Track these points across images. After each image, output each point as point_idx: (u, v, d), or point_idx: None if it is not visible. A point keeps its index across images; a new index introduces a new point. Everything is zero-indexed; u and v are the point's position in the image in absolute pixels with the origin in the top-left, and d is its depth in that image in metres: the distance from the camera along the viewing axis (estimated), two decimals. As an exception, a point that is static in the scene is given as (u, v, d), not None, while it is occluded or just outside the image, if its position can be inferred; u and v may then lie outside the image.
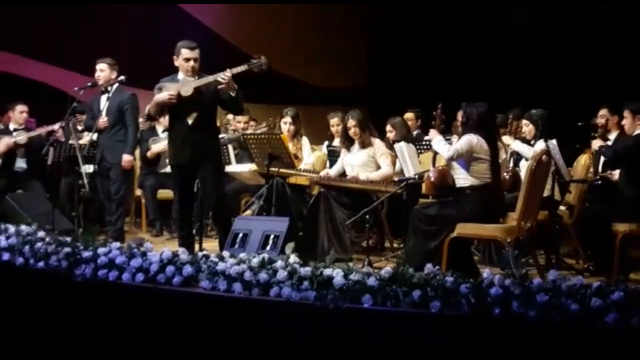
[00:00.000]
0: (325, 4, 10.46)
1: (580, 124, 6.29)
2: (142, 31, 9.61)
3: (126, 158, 6.31)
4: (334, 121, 6.79)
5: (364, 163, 6.16)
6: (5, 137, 7.35)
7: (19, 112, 7.46)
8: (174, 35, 9.79)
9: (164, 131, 7.68)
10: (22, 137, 7.32)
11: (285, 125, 6.75)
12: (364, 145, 6.17)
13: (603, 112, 6.14)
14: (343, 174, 6.30)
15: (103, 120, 6.33)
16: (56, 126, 6.91)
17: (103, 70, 6.40)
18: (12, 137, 7.34)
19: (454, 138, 5.54)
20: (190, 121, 5.51)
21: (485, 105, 5.18)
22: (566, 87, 8.91)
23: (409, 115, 7.93)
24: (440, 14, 10.33)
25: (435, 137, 5.28)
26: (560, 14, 9.35)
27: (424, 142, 7.04)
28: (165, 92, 5.49)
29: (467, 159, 5.08)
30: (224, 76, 5.32)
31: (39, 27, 9.03)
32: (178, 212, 5.80)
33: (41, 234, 5.37)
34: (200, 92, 5.46)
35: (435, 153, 5.38)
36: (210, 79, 5.41)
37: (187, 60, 5.50)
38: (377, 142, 6.22)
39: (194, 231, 5.85)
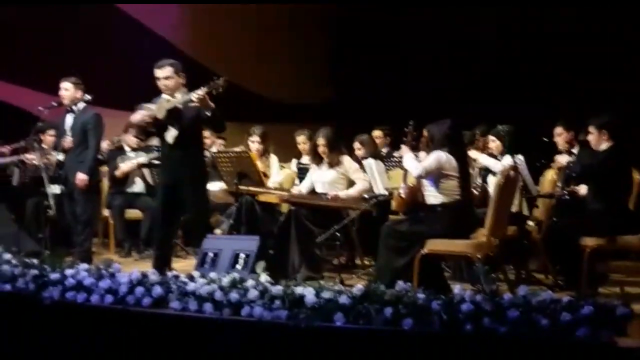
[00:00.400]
0: (292, 19, 10.52)
1: (545, 139, 6.38)
2: (108, 50, 9.57)
3: (80, 177, 6.19)
4: (301, 139, 6.83)
5: (334, 180, 6.17)
6: None
7: None
8: (138, 53, 9.83)
9: (132, 150, 7.65)
10: None
11: (253, 144, 6.75)
12: (332, 164, 6.20)
13: (558, 130, 6.22)
14: (313, 191, 6.31)
15: (68, 141, 6.27)
16: (30, 156, 6.82)
17: (67, 89, 6.32)
18: None
19: (422, 154, 5.58)
20: (171, 140, 5.51)
21: (448, 121, 5.22)
22: (531, 102, 9.04)
23: (377, 133, 7.99)
24: (408, 29, 10.43)
25: (406, 154, 5.30)
26: (524, 30, 9.52)
27: (392, 159, 7.10)
28: (138, 113, 5.49)
29: (436, 176, 5.11)
30: (197, 95, 5.28)
31: (2, 47, 8.94)
32: (157, 231, 5.70)
33: (7, 256, 5.29)
34: (178, 111, 5.45)
35: (406, 170, 5.40)
36: (185, 98, 5.40)
37: (158, 79, 5.51)
38: (346, 160, 6.23)
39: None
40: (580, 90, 8.61)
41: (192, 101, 5.32)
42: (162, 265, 5.48)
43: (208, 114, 5.34)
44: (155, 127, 5.55)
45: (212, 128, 5.75)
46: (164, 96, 5.53)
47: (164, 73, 5.48)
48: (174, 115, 5.43)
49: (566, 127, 6.21)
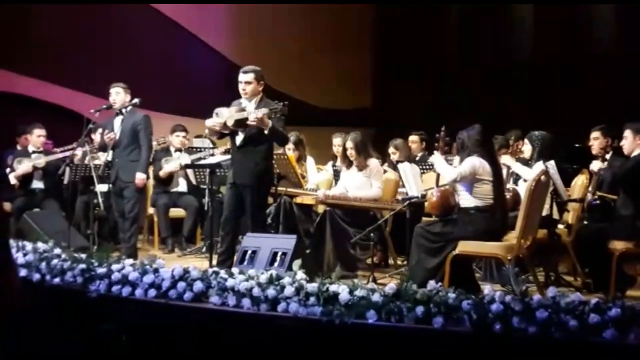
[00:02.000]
0: (330, 25, 10.67)
1: (577, 145, 6.39)
2: (155, 56, 9.83)
3: (139, 177, 6.41)
4: (337, 141, 6.92)
5: (361, 185, 6.26)
6: (25, 160, 7.50)
7: (37, 136, 7.59)
8: (184, 60, 10.08)
9: (176, 151, 7.87)
10: (40, 161, 7.47)
11: (289, 151, 6.86)
12: (360, 168, 6.30)
13: (595, 134, 6.19)
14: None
15: (108, 136, 6.44)
16: (78, 152, 7.07)
17: (119, 93, 6.52)
18: (30, 161, 7.48)
19: (455, 159, 5.66)
20: (237, 143, 5.73)
21: (476, 127, 5.27)
22: (565, 108, 9.05)
23: (413, 138, 8.08)
24: (444, 35, 10.52)
25: (438, 160, 5.37)
26: (561, 37, 9.52)
27: (427, 163, 7.19)
28: (212, 119, 5.70)
29: (470, 181, 5.16)
30: (254, 118, 5.48)
31: (56, 52, 9.24)
32: (224, 227, 5.84)
33: (57, 251, 5.49)
34: (246, 122, 5.61)
35: (439, 173, 5.47)
36: (244, 114, 5.59)
37: (240, 83, 5.71)
38: (372, 163, 6.30)
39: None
40: (621, 100, 8.59)
41: (250, 120, 5.50)
42: (225, 259, 5.64)
43: (266, 132, 5.54)
44: (224, 130, 5.74)
45: (276, 142, 5.85)
46: (242, 100, 5.73)
47: (246, 78, 5.68)
48: (242, 125, 5.62)
49: (604, 133, 6.21)
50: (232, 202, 5.75)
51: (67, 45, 9.27)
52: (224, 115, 5.69)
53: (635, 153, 5.53)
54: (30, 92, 9.26)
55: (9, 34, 8.92)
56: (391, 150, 7.33)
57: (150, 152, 6.81)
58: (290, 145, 6.87)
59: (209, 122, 5.74)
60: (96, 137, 7.43)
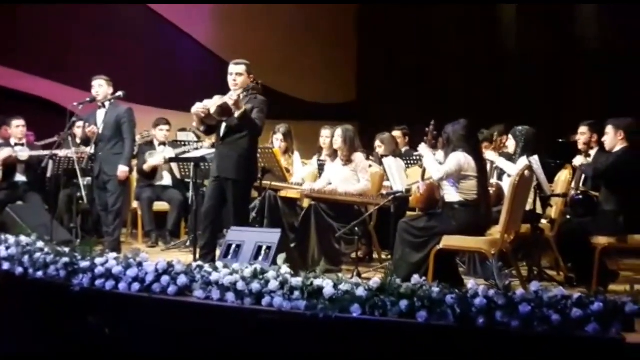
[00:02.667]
0: (316, 20, 10.68)
1: (560, 140, 6.42)
2: (139, 49, 9.78)
3: (122, 169, 6.40)
4: (325, 133, 6.93)
5: (347, 178, 6.28)
6: (7, 148, 7.42)
7: (15, 127, 7.50)
8: (168, 53, 10.06)
9: (159, 145, 7.84)
10: (24, 154, 7.39)
11: (277, 141, 6.89)
12: (345, 161, 6.31)
13: (583, 129, 6.22)
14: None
15: (90, 129, 6.42)
16: (61, 153, 7.02)
17: (102, 86, 6.51)
18: (13, 151, 7.38)
19: (440, 153, 5.68)
20: (220, 134, 5.71)
21: (461, 121, 5.29)
22: (549, 104, 9.10)
23: (396, 133, 8.09)
24: (431, 29, 10.55)
25: (426, 154, 5.39)
26: (550, 34, 9.57)
27: (411, 157, 7.22)
28: (198, 104, 5.69)
29: (456, 177, 5.19)
30: (231, 97, 5.51)
31: (39, 44, 9.18)
32: (205, 221, 5.81)
33: (40, 244, 5.46)
34: (228, 109, 5.60)
35: (425, 168, 5.47)
36: (225, 98, 5.60)
37: (230, 74, 5.70)
38: (357, 157, 6.32)
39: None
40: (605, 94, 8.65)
41: (230, 99, 5.52)
42: (206, 254, 5.64)
43: (236, 115, 5.52)
44: (210, 120, 5.73)
45: (248, 130, 5.80)
46: (230, 92, 5.70)
47: (237, 69, 5.68)
48: (224, 112, 5.60)
49: (591, 128, 6.23)
50: (213, 196, 5.74)
51: (50, 38, 9.21)
52: (210, 104, 5.67)
53: (617, 149, 5.57)
54: (12, 84, 9.18)
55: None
56: (377, 143, 7.34)
57: (134, 145, 6.78)
58: (279, 136, 6.88)
59: (194, 108, 5.71)
60: (78, 130, 7.40)
